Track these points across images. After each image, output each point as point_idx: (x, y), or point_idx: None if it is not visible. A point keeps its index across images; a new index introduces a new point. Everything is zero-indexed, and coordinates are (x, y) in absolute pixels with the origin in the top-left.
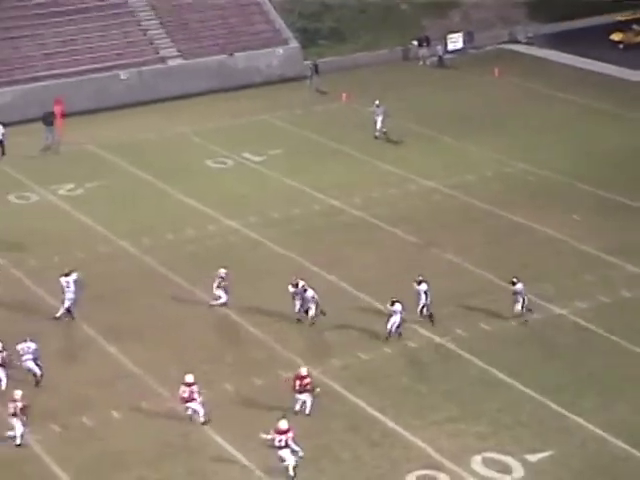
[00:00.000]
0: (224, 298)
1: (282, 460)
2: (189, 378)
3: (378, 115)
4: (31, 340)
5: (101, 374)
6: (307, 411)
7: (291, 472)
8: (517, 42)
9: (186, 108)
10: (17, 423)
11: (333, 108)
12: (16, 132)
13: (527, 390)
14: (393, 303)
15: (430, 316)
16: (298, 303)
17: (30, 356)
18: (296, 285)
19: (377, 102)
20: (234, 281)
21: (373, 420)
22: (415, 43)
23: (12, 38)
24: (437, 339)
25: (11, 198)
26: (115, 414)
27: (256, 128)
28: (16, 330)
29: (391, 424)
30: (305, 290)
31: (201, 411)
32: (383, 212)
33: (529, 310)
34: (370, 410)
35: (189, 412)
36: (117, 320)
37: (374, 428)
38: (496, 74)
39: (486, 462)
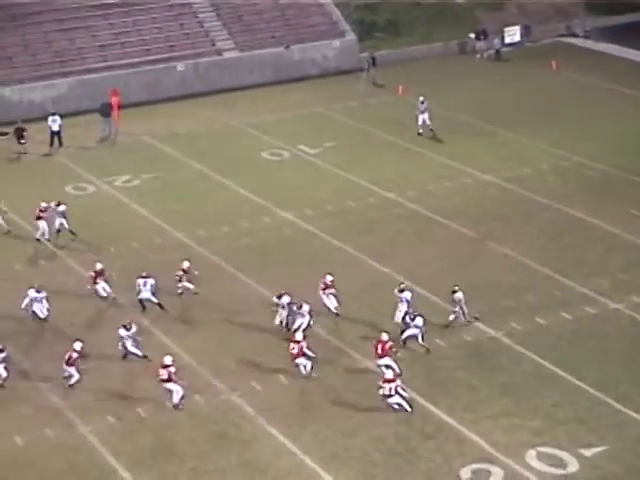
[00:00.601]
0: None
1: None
2: (167, 360)
3: (422, 112)
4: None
5: (155, 365)
6: (397, 370)
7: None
8: (574, 35)
9: (242, 100)
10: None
11: (389, 101)
12: (72, 123)
13: (582, 385)
14: (402, 290)
15: (466, 319)
16: (283, 314)
17: (130, 340)
18: (279, 297)
19: (421, 98)
20: (291, 274)
21: (427, 413)
22: (472, 36)
23: (67, 30)
24: (492, 333)
25: (68, 189)
26: (169, 405)
27: (312, 120)
28: (78, 320)
29: (445, 417)
30: (300, 306)
31: (178, 393)
32: (438, 205)
33: (476, 318)
34: (424, 403)
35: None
36: (172, 311)
37: (428, 421)
38: (553, 67)
39: (540, 456)
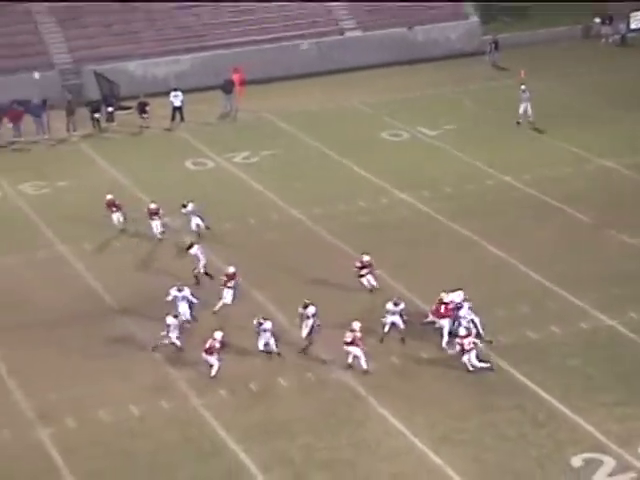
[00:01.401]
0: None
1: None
2: (217, 335)
3: (524, 101)
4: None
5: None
6: (444, 335)
7: None
8: None
9: (363, 80)
10: (356, 350)
11: (510, 84)
12: (194, 99)
13: None
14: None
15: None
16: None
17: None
18: (305, 307)
19: (523, 87)
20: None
21: (540, 400)
22: (598, 21)
23: (192, 6)
24: (608, 321)
25: (188, 164)
26: (282, 382)
27: (432, 102)
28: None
29: (558, 405)
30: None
31: (215, 365)
32: (557, 190)
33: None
34: (537, 390)
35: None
36: (286, 290)
37: (540, 408)
38: None
39: None
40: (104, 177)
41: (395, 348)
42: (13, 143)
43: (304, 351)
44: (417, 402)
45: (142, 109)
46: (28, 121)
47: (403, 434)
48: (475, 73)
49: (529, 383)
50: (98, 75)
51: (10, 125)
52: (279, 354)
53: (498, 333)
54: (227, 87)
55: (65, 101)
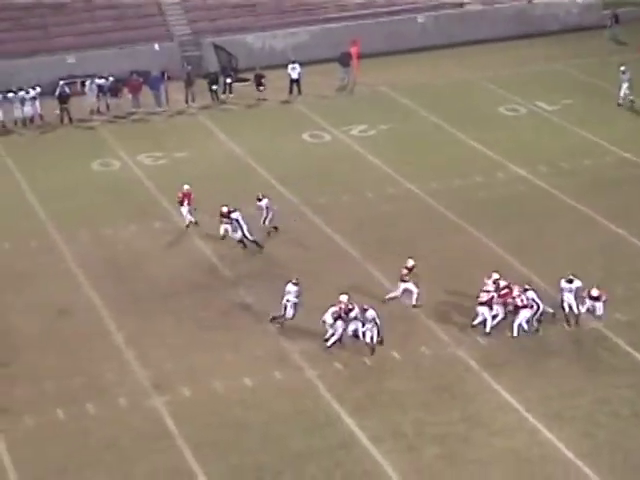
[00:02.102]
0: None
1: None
2: (343, 298)
3: (624, 82)
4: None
5: (380, 315)
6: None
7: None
8: None
9: (481, 54)
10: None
11: (630, 59)
12: (311, 72)
13: None
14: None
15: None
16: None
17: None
18: (296, 284)
19: (623, 68)
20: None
21: None
22: None
23: None
24: None
25: (305, 137)
26: (395, 355)
27: (550, 76)
28: (309, 266)
29: None
30: (365, 310)
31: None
32: None
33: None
34: None
35: None
36: (401, 261)
37: None
38: None
39: None
40: (222, 149)
41: (510, 322)
42: (132, 114)
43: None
44: (531, 378)
45: (258, 81)
46: (147, 92)
47: (516, 409)
48: (594, 47)
49: None
50: (217, 47)
51: (129, 96)
52: (378, 344)
53: (616, 311)
54: (344, 60)
55: (184, 73)
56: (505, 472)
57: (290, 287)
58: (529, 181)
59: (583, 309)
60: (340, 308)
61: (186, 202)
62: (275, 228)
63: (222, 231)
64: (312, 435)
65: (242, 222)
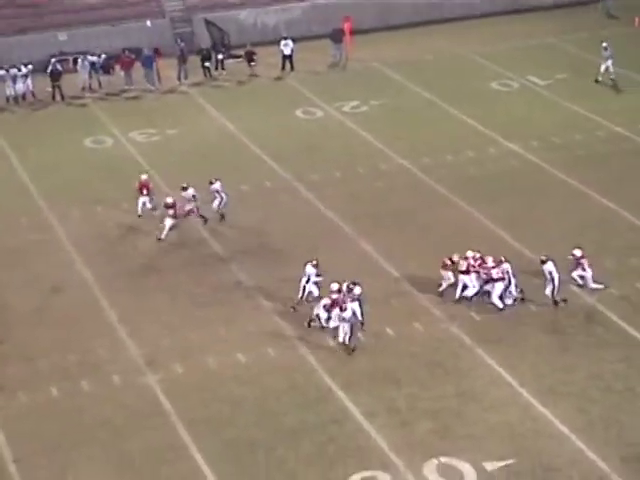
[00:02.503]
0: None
1: None
2: (334, 286)
3: (606, 59)
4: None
5: (373, 291)
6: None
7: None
8: None
9: (473, 29)
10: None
11: (623, 32)
12: (303, 48)
13: None
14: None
15: None
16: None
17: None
18: (316, 266)
19: (605, 44)
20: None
21: None
22: None
23: None
24: None
25: (298, 113)
26: (389, 331)
27: (543, 51)
28: (302, 242)
29: None
30: (352, 288)
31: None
32: None
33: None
34: None
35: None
36: (393, 237)
37: None
38: None
39: None
40: (214, 125)
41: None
42: (124, 91)
43: None
44: (525, 353)
45: (250, 58)
46: (139, 69)
47: (509, 384)
48: (587, 22)
49: (638, 335)
50: (209, 23)
51: (122, 73)
52: (362, 324)
53: (607, 285)
54: (336, 36)
55: (177, 49)
56: (498, 446)
57: (309, 269)
58: (521, 156)
59: (575, 274)
60: (331, 299)
61: (145, 191)
62: (222, 216)
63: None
64: (305, 410)
65: (223, 194)
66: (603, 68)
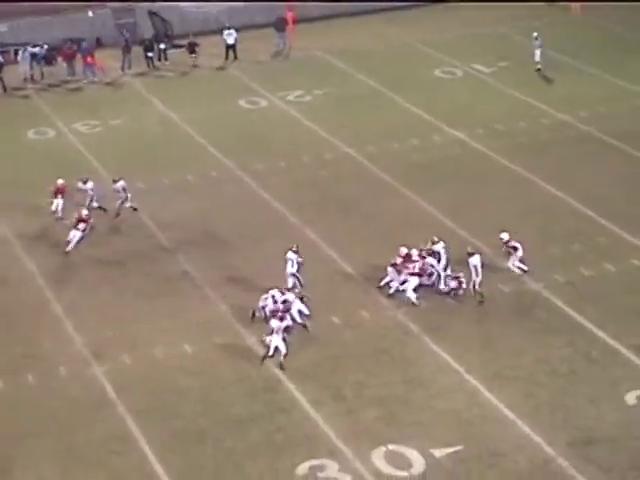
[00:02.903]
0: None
1: None
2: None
3: (536, 48)
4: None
5: (319, 280)
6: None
7: None
8: None
9: (418, 17)
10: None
11: (565, 20)
12: (246, 37)
13: None
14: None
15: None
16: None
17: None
18: (296, 251)
19: (535, 34)
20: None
21: (593, 337)
22: None
23: None
24: None
25: (241, 103)
26: (335, 320)
27: (488, 39)
28: (248, 232)
29: (611, 342)
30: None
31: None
32: (612, 128)
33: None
34: (590, 327)
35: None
36: (338, 225)
37: (593, 346)
38: None
39: None
40: (158, 116)
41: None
42: (66, 82)
43: None
44: (471, 340)
45: (192, 49)
46: (81, 60)
47: (456, 371)
48: (530, 10)
49: (582, 320)
50: (151, 13)
51: (64, 64)
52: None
53: (552, 271)
54: (279, 25)
55: (122, 39)
56: (445, 433)
57: (291, 255)
58: (465, 143)
59: (510, 263)
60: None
61: (60, 196)
62: (103, 209)
63: (54, 207)
64: (253, 400)
65: (127, 194)
66: (537, 57)
